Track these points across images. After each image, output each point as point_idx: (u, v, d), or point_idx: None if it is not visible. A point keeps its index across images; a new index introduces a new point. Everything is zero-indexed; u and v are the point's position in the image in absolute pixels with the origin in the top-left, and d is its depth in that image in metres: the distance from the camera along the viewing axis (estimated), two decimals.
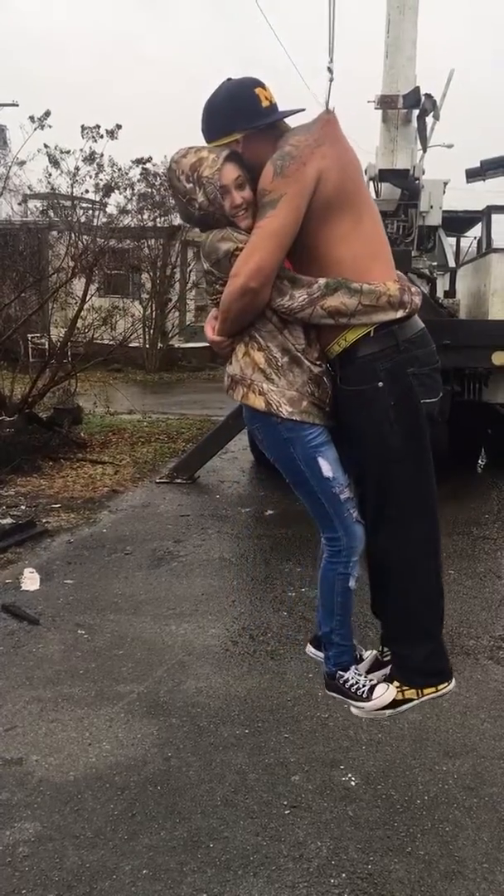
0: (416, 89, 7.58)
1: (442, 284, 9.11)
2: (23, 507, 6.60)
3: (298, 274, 2.21)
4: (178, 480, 7.66)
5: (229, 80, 2.23)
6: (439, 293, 8.79)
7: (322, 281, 2.17)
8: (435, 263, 9.06)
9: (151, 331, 18.12)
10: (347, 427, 2.29)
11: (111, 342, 11.27)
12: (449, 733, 3.24)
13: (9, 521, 6.10)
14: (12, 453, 7.67)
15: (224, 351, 2.31)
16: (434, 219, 7.95)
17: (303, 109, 2.25)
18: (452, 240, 10.68)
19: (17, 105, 21.19)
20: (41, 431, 8.55)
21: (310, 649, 2.63)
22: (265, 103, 2.18)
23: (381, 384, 2.19)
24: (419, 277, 7.88)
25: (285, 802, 2.79)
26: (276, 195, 2.08)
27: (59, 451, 8.52)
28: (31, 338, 11.93)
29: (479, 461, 8.65)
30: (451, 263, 9.77)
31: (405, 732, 3.23)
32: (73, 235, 10.16)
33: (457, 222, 10.01)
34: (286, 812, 2.74)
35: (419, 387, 2.23)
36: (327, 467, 2.25)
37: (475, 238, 10.59)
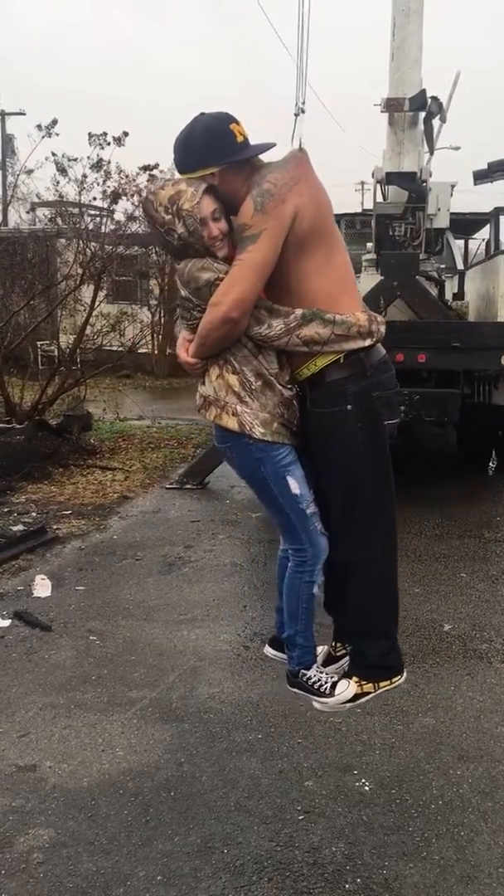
0: (423, 92, 7.58)
1: (450, 287, 9.10)
2: (34, 514, 6.61)
3: (275, 304, 2.32)
4: (188, 486, 7.66)
5: (203, 114, 2.32)
6: (448, 296, 8.78)
7: (298, 312, 2.29)
8: (443, 266, 9.06)
9: (160, 337, 18.15)
10: (316, 446, 2.41)
11: (120, 348, 11.30)
12: (463, 737, 3.23)
13: (20, 527, 6.11)
14: (23, 460, 7.70)
15: (197, 372, 2.42)
16: (442, 221, 7.95)
17: (274, 145, 2.36)
18: (461, 242, 10.67)
19: (25, 114, 21.34)
20: (51, 438, 8.57)
21: (269, 650, 2.77)
22: (240, 139, 2.29)
23: (349, 407, 2.34)
24: (427, 280, 7.87)
25: (299, 808, 2.79)
26: (257, 230, 2.19)
27: (69, 457, 8.54)
28: (41, 345, 11.97)
29: (490, 464, 8.62)
30: (460, 266, 9.76)
31: (419, 736, 3.22)
32: (81, 243, 10.18)
33: (465, 224, 10.00)
34: (300, 817, 2.74)
35: (382, 408, 2.39)
36: (295, 485, 2.38)
37: (483, 240, 10.58)
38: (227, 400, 2.34)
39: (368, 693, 2.49)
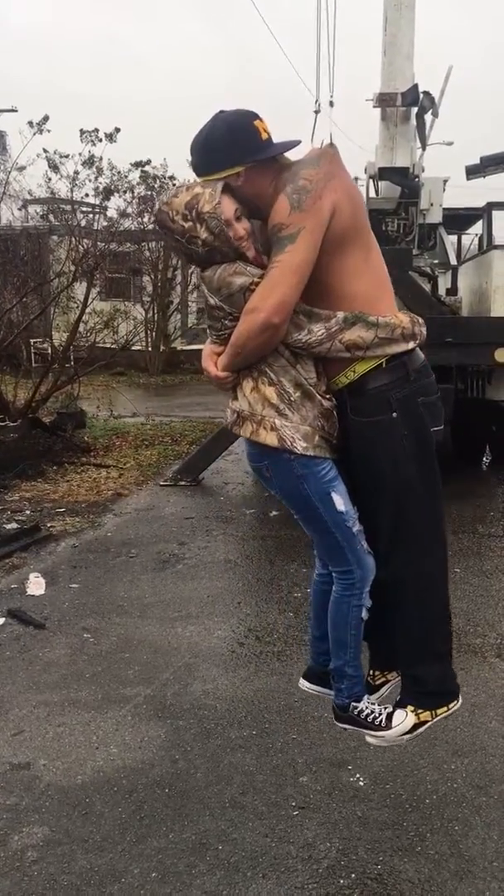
0: (415, 87, 7.58)
1: (443, 282, 9.09)
2: (27, 512, 6.60)
3: (314, 308, 2.19)
4: (183, 483, 7.66)
5: (222, 112, 2.20)
6: (441, 291, 8.77)
7: (340, 315, 2.16)
8: (436, 261, 9.05)
9: (154, 333, 18.13)
10: (359, 458, 2.28)
11: (113, 346, 11.29)
12: (457, 732, 3.23)
13: (13, 526, 6.10)
14: (16, 458, 7.68)
15: (227, 386, 2.29)
16: (435, 216, 7.95)
17: (299, 142, 2.25)
18: (453, 237, 10.66)
19: (17, 111, 21.24)
20: (45, 436, 8.56)
21: (306, 685, 2.60)
22: (264, 136, 2.17)
23: (395, 414, 2.21)
24: (420, 275, 7.87)
25: (294, 803, 2.79)
26: (295, 229, 2.06)
27: (63, 455, 8.52)
28: (34, 343, 11.95)
29: (484, 459, 8.63)
30: (453, 261, 9.75)
31: None
32: (73, 239, 10.16)
33: (458, 219, 9.99)
34: (294, 813, 2.74)
35: (427, 415, 2.28)
36: (340, 501, 2.24)
37: (476, 235, 10.57)
38: (265, 414, 2.19)
39: (426, 722, 2.35)
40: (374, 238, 2.30)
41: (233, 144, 2.14)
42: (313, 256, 2.09)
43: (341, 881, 2.41)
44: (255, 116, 2.19)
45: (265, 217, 2.17)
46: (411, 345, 2.24)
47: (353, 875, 2.44)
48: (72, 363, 10.06)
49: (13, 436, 7.98)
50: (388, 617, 2.37)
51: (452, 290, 9.04)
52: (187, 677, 3.71)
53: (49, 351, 10.33)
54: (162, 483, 7.77)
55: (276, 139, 2.22)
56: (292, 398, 2.19)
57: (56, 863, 2.50)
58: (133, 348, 13.19)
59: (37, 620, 4.38)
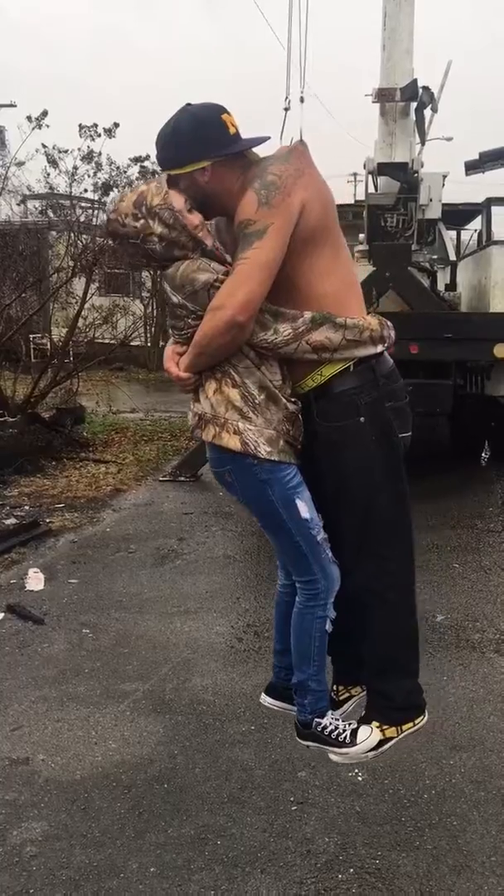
0: (414, 82, 7.55)
1: (443, 277, 9.09)
2: (26, 508, 6.60)
3: (280, 307, 2.13)
4: (182, 478, 7.65)
5: (190, 105, 2.15)
6: (440, 286, 8.77)
7: (308, 315, 2.10)
8: (435, 257, 9.04)
9: (153, 329, 18.12)
10: (325, 464, 2.20)
11: (112, 341, 11.27)
12: (456, 727, 3.23)
13: (13, 521, 6.10)
14: (15, 454, 7.68)
15: (190, 388, 2.20)
16: (434, 212, 7.92)
17: (268, 138, 2.20)
18: (453, 233, 10.64)
19: (15, 106, 21.18)
20: (44, 432, 8.55)
21: (267, 700, 2.49)
22: (231, 130, 2.11)
23: (362, 419, 2.14)
24: (419, 271, 7.86)
25: (292, 798, 2.79)
26: (263, 225, 2.00)
27: (62, 450, 8.53)
28: (33, 338, 11.94)
29: (483, 454, 8.63)
30: (452, 256, 9.73)
31: None
32: (72, 235, 10.14)
33: (457, 215, 9.96)
34: (293, 808, 2.74)
35: (395, 420, 2.21)
36: (304, 508, 2.15)
37: (475, 231, 10.55)
38: (228, 417, 2.11)
39: (391, 738, 2.24)
40: (343, 238, 2.24)
41: (199, 138, 2.08)
42: (281, 254, 2.03)
43: (340, 876, 2.42)
44: (223, 110, 2.13)
45: (231, 214, 2.11)
46: (380, 348, 2.18)
47: (351, 870, 2.44)
48: (71, 359, 10.05)
49: (12, 431, 7.97)
50: (354, 629, 2.27)
51: (451, 286, 9.03)
52: (186, 673, 3.71)
53: (48, 346, 10.32)
54: (161, 479, 7.77)
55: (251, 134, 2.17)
56: (256, 401, 2.11)
57: (55, 858, 2.51)
58: (132, 344, 13.17)
59: (36, 616, 4.38)
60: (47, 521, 6.22)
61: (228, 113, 2.13)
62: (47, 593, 4.76)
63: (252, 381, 2.11)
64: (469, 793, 2.81)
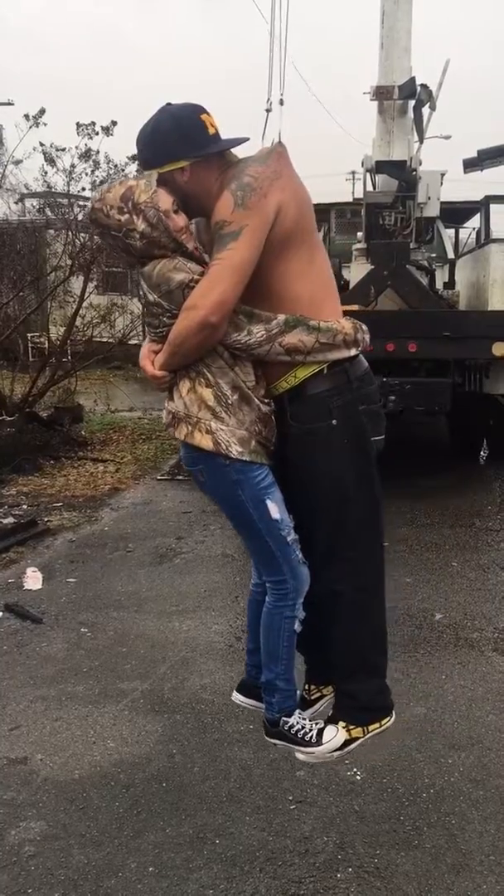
0: (412, 80, 7.54)
1: (441, 276, 9.08)
2: (24, 507, 6.59)
3: (255, 309, 2.14)
4: (180, 477, 7.64)
5: (169, 104, 2.17)
6: (439, 284, 8.76)
7: (281, 317, 2.11)
8: (434, 255, 9.03)
9: None
10: (297, 465, 2.22)
11: (111, 340, 11.24)
12: (454, 726, 3.23)
13: (10, 520, 6.10)
14: (13, 453, 7.67)
15: (164, 386, 2.23)
16: (432, 210, 7.91)
17: (247, 139, 2.20)
18: (451, 231, 10.64)
19: (13, 104, 21.11)
20: (42, 430, 8.55)
21: (238, 697, 2.51)
22: (211, 130, 2.12)
23: (335, 422, 2.16)
24: (418, 269, 7.85)
25: (291, 797, 2.79)
26: (237, 227, 2.01)
27: (60, 449, 8.52)
28: (31, 337, 11.91)
29: (482, 453, 8.63)
30: (450, 254, 9.74)
31: (410, 726, 3.22)
32: (70, 233, 10.12)
33: (455, 213, 9.96)
34: (292, 807, 2.74)
35: (368, 424, 2.22)
36: (275, 509, 2.17)
37: (474, 229, 10.55)
38: (200, 416, 2.12)
39: (357, 738, 2.26)
40: (320, 241, 2.26)
41: (179, 138, 2.10)
42: (256, 255, 2.04)
43: (338, 875, 2.42)
44: (202, 110, 2.15)
45: (210, 214, 2.11)
46: (353, 351, 2.19)
47: (350, 869, 2.44)
48: (69, 357, 10.04)
49: (10, 430, 7.97)
50: (324, 630, 2.29)
51: (450, 284, 9.03)
52: (184, 672, 3.70)
53: (46, 345, 10.29)
54: (159, 477, 7.76)
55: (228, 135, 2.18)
56: (230, 401, 2.12)
57: (53, 857, 2.50)
58: (130, 342, 13.14)
59: (34, 615, 4.37)
60: (45, 520, 6.22)
61: (208, 113, 2.15)
62: (45, 592, 4.76)
63: (225, 381, 2.13)
64: (468, 791, 2.81)
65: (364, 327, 2.24)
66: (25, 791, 2.83)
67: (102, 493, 7.15)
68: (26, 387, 9.01)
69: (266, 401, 2.17)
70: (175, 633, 4.14)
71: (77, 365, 9.79)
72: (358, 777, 2.90)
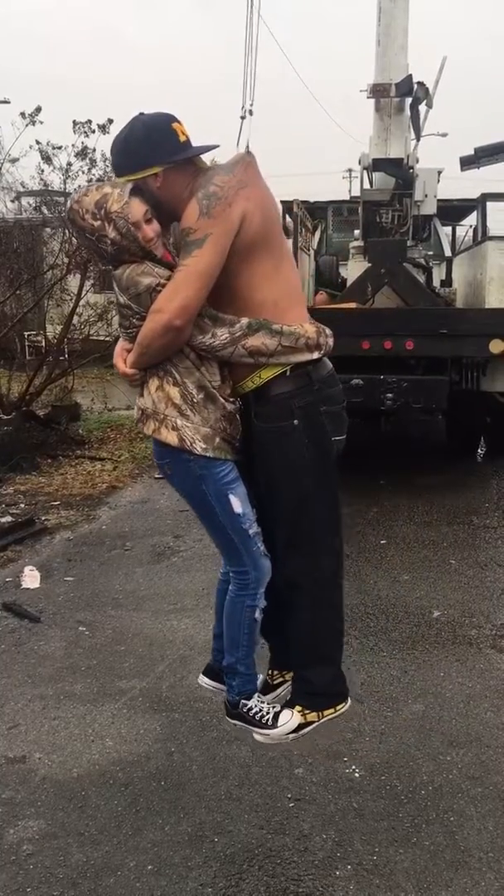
0: (409, 77, 7.52)
1: (438, 273, 9.07)
2: (22, 506, 6.59)
3: (219, 313, 2.23)
4: None
5: (142, 114, 2.24)
6: (436, 282, 8.75)
7: (244, 321, 2.20)
8: (431, 252, 9.03)
9: None
10: (260, 462, 2.32)
11: (108, 338, 11.22)
12: (453, 723, 3.24)
13: (8, 519, 6.09)
14: (10, 452, 7.66)
15: (135, 383, 2.33)
16: (429, 208, 7.90)
17: (217, 146, 2.29)
18: (448, 228, 10.63)
19: (9, 102, 21.07)
20: (39, 429, 8.54)
21: (204, 680, 2.63)
22: (182, 138, 2.20)
23: (296, 422, 2.25)
24: (415, 267, 7.84)
25: (289, 795, 2.79)
26: (202, 234, 2.10)
27: (58, 448, 8.51)
28: (28, 335, 11.89)
29: (479, 450, 8.64)
30: (447, 252, 9.73)
31: (409, 723, 3.23)
32: (66, 231, 10.10)
33: (452, 211, 9.95)
34: (290, 805, 2.74)
35: (329, 425, 2.31)
36: (237, 503, 2.27)
37: (471, 226, 10.55)
38: (167, 413, 2.24)
39: (312, 722, 2.38)
40: (288, 250, 2.35)
41: (150, 146, 2.17)
42: (219, 262, 2.13)
43: (337, 872, 2.42)
44: (174, 119, 2.23)
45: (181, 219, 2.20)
46: (315, 355, 2.27)
47: (348, 867, 2.44)
48: (66, 356, 10.03)
49: (7, 429, 7.95)
50: (285, 619, 2.41)
51: (447, 282, 9.01)
52: (182, 670, 3.70)
53: (43, 344, 10.28)
54: (157, 476, 7.73)
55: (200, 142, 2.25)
56: (195, 399, 2.23)
57: (52, 856, 2.50)
58: None
59: (32, 614, 4.37)
60: (43, 518, 6.21)
61: (179, 122, 2.25)
62: (43, 591, 4.75)
63: (191, 380, 2.24)
64: (466, 789, 2.82)
65: (328, 331, 2.35)
66: (24, 790, 2.83)
67: (100, 491, 7.14)
68: (23, 385, 8.99)
69: (231, 399, 2.28)
70: (173, 632, 4.14)
71: (74, 363, 9.77)
72: (356, 774, 2.90)
